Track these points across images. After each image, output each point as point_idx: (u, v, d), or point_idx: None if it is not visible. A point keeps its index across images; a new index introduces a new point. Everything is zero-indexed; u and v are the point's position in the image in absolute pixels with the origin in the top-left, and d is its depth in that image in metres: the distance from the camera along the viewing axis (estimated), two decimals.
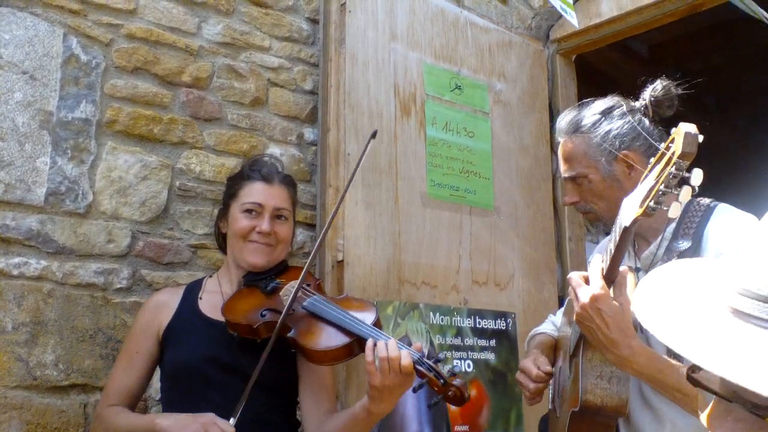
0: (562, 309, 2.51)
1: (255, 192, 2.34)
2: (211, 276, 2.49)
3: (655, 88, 2.11)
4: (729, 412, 0.86)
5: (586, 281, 1.79)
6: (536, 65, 3.98)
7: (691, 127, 1.51)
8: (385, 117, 3.27)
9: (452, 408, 3.14)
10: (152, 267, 2.79)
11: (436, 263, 3.30)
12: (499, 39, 3.82)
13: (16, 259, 2.49)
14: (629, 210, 1.65)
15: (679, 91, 2.08)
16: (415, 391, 2.00)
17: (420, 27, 3.49)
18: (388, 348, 1.95)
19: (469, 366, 3.28)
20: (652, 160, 1.62)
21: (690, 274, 0.97)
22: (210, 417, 1.98)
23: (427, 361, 1.99)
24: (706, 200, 2.10)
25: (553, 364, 2.33)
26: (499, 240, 3.55)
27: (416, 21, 3.48)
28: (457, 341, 3.27)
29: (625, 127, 2.12)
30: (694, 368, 0.88)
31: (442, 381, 1.96)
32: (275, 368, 2.20)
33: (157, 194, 2.82)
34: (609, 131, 2.11)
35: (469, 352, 3.30)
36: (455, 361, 3.22)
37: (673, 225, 2.05)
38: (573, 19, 2.72)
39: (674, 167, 1.49)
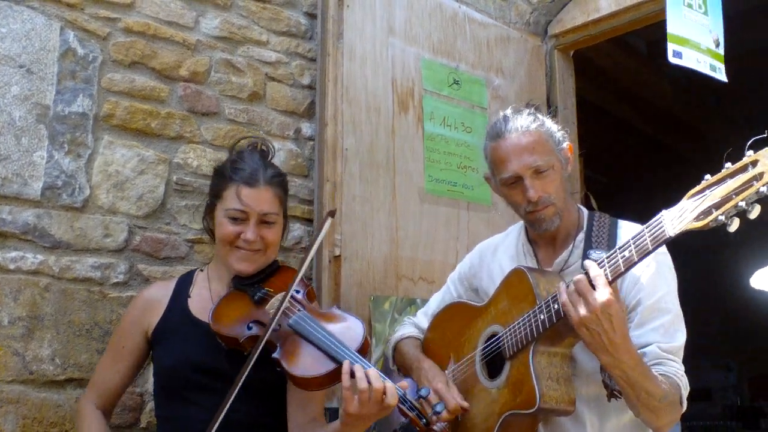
0: (425, 311, 2.56)
1: (239, 197, 2.21)
2: (202, 270, 2.43)
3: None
4: None
5: (592, 286, 1.84)
6: (534, 60, 3.98)
7: None
8: (382, 112, 3.27)
9: None
10: (149, 262, 2.78)
11: (434, 258, 3.30)
12: (498, 34, 3.82)
13: (13, 254, 2.48)
14: (676, 221, 1.73)
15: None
16: (396, 431, 1.97)
17: (418, 22, 3.49)
18: (371, 378, 1.89)
19: None
20: (709, 177, 1.70)
21: None
22: None
23: (410, 399, 1.93)
24: (605, 214, 2.25)
25: None
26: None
27: (414, 16, 3.48)
28: None
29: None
30: None
31: (424, 421, 1.90)
32: (265, 373, 2.14)
33: (154, 189, 2.82)
34: (552, 126, 2.23)
35: None
36: None
37: (582, 234, 2.20)
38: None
39: (766, 187, 1.59)
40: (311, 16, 3.36)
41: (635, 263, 1.82)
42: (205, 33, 3.02)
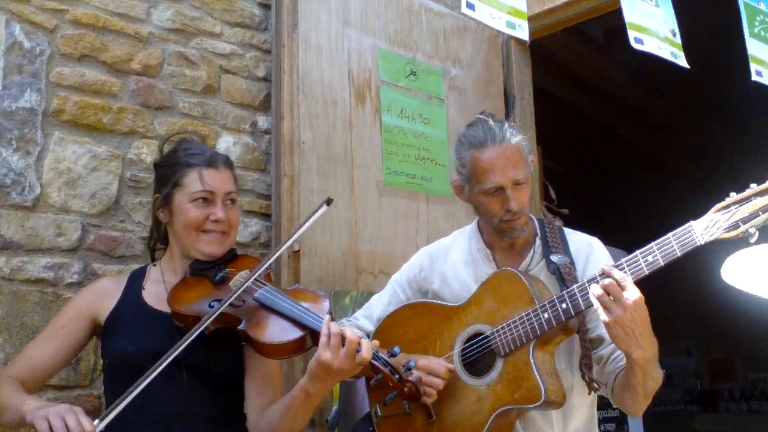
0: (368, 314, 2.54)
1: (204, 179, 2.22)
2: (154, 265, 2.37)
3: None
4: None
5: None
6: (491, 51, 3.97)
7: None
8: (339, 104, 3.24)
9: None
10: (104, 260, 2.72)
11: (394, 252, 3.27)
12: (454, 24, 3.80)
13: None
14: (708, 231, 1.92)
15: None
16: (371, 386, 1.97)
17: (374, 12, 3.46)
18: (346, 332, 1.92)
19: None
20: (734, 194, 1.92)
21: None
22: (76, 408, 1.88)
23: (383, 355, 1.96)
24: (552, 221, 2.46)
25: None
26: (456, 227, 3.48)
27: (370, 6, 3.45)
28: None
29: None
30: None
31: (397, 377, 1.94)
32: (219, 362, 2.14)
33: (107, 186, 2.76)
34: (523, 139, 2.31)
35: None
36: None
37: (538, 240, 2.34)
38: (524, 34, 2.66)
39: None
40: (265, 6, 3.32)
41: (660, 267, 1.96)
42: (157, 25, 2.96)
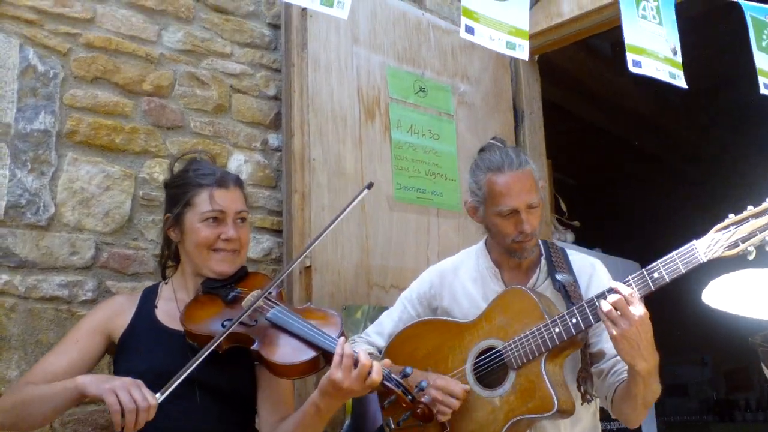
0: (379, 330, 2.60)
1: (215, 199, 2.25)
2: (166, 282, 2.39)
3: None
4: None
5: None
6: (499, 66, 4.00)
7: None
8: (349, 121, 3.27)
9: None
10: (117, 278, 2.76)
11: (405, 266, 3.30)
12: (462, 41, 3.79)
13: None
14: (710, 249, 2.05)
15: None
16: (384, 407, 1.99)
17: (382, 30, 3.49)
18: (359, 354, 1.96)
19: None
20: (732, 216, 2.07)
21: None
22: (138, 382, 1.92)
23: (395, 376, 1.99)
24: (553, 243, 2.55)
25: None
26: (467, 241, 3.53)
27: (378, 25, 3.48)
28: None
29: None
30: None
31: (410, 397, 1.98)
32: (232, 380, 2.17)
33: (120, 204, 2.79)
34: (534, 166, 2.43)
35: None
36: None
37: (542, 260, 2.45)
38: (524, 54, 2.70)
39: None
40: (275, 26, 3.36)
41: (666, 283, 2.08)
42: (168, 46, 3.01)
